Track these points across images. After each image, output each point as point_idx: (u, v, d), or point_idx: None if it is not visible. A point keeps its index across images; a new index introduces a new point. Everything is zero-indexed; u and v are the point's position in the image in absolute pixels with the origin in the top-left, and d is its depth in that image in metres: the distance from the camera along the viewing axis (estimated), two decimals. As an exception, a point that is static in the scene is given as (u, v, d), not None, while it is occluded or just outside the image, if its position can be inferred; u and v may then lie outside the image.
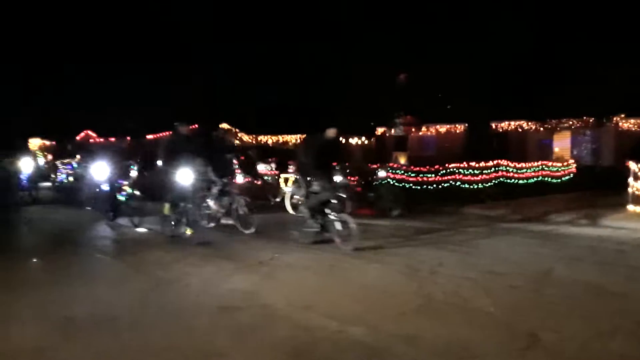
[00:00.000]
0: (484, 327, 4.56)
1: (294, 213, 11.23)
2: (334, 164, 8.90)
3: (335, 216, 8.13)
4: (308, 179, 9.82)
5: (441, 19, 23.40)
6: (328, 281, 6.30)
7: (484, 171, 14.96)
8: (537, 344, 4.15)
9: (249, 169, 11.64)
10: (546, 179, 17.05)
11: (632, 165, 11.75)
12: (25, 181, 16.67)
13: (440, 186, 14.54)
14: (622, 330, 4.46)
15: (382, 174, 13.46)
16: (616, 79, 19.35)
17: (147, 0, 28.81)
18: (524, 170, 16.35)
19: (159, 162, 10.18)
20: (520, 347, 4.11)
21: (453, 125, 25.01)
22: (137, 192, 10.77)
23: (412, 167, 15.03)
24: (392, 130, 24.03)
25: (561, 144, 23.32)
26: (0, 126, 28.18)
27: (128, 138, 22.93)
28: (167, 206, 9.17)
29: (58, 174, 20.89)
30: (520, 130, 23.58)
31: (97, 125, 28.54)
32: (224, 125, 26.99)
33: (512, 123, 23.52)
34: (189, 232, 8.99)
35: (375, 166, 14.44)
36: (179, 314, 5.05)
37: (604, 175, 17.50)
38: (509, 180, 15.66)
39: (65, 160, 21.15)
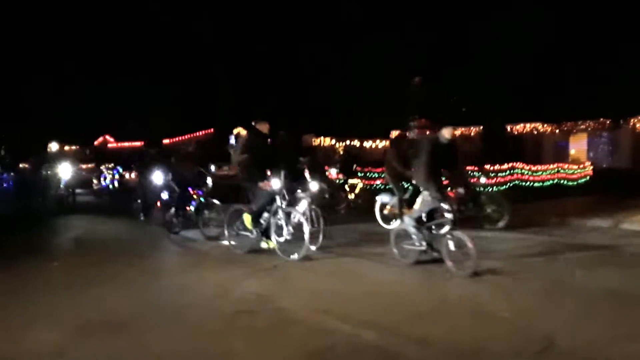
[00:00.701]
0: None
1: (385, 225, 9.94)
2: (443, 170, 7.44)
3: (448, 233, 6.57)
4: (405, 185, 9.60)
5: (456, 22, 23.37)
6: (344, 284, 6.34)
7: (498, 174, 14.90)
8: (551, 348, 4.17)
9: (318, 174, 10.33)
10: (562, 181, 16.91)
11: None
12: (63, 187, 15.79)
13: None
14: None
15: (483, 180, 11.52)
16: (633, 80, 19.18)
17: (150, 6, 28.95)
18: (540, 172, 16.26)
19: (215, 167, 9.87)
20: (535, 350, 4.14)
21: (468, 128, 24.94)
22: (215, 201, 9.81)
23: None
24: (407, 133, 24.04)
25: (578, 146, 23.18)
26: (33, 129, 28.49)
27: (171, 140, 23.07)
28: (248, 218, 7.99)
29: (102, 179, 19.89)
30: (535, 132, 23.46)
31: (115, 129, 28.87)
32: (240, 129, 27.24)
33: (528, 125, 23.41)
34: (271, 245, 7.90)
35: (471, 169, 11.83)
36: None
37: (621, 178, 17.34)
38: (524, 183, 15.58)
39: (110, 165, 20.29)
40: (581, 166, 18.48)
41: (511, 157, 16.35)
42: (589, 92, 20.23)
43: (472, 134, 24.76)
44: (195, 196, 10.02)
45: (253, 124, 8.36)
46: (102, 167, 20.60)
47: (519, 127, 23.46)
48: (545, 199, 13.60)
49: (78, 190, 17.55)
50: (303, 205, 8.29)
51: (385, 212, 10.21)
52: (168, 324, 4.95)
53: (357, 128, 25.95)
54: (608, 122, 21.55)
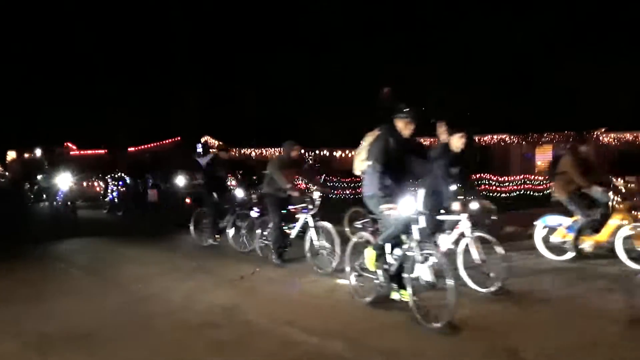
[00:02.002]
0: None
1: (554, 257, 7.63)
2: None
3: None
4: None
5: (422, 32, 23.67)
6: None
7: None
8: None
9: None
10: (529, 192, 17.17)
11: (613, 179, 11.87)
12: (60, 200, 13.58)
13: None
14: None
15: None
16: (596, 94, 19.67)
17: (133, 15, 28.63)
18: (507, 183, 16.48)
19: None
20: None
21: (435, 139, 25.11)
22: (326, 224, 7.44)
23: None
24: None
25: (543, 157, 23.54)
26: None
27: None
28: (372, 254, 5.57)
29: (108, 192, 17.51)
30: (502, 144, 23.78)
31: (76, 136, 28.20)
32: (208, 138, 26.98)
33: (495, 136, 23.72)
34: (405, 297, 5.23)
35: None
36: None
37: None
38: (491, 194, 15.75)
39: (117, 175, 17.65)
40: (547, 177, 18.78)
41: (479, 169, 16.51)
42: (555, 105, 20.64)
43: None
44: (298, 216, 7.91)
45: (395, 116, 5.63)
46: (108, 178, 18.09)
47: (487, 138, 23.76)
48: (513, 210, 13.73)
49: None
50: (452, 237, 6.14)
51: (556, 239, 7.75)
52: (131, 336, 4.81)
53: (326, 138, 25.92)
54: (572, 134, 21.97)
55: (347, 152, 25.99)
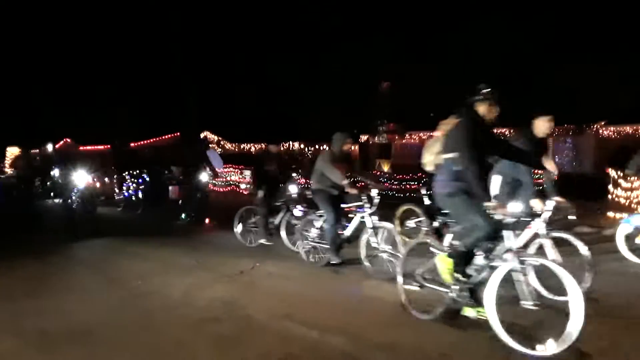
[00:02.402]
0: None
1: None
2: None
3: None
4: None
5: (423, 29, 23.64)
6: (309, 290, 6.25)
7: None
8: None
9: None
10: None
11: (612, 172, 11.85)
12: (76, 199, 12.06)
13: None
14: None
15: None
16: (596, 87, 19.63)
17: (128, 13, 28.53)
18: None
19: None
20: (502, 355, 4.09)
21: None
22: (386, 224, 6.90)
23: (395, 175, 15.06)
24: (376, 138, 24.14)
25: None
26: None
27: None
28: (447, 262, 4.76)
29: (123, 188, 16.72)
30: (502, 137, 23.71)
31: (75, 133, 28.12)
32: (207, 133, 26.97)
33: (495, 130, 23.64)
34: (484, 314, 4.34)
35: None
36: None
37: (584, 182, 17.63)
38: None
39: (135, 172, 16.70)
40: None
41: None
42: (553, 98, 20.59)
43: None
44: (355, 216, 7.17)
45: (474, 99, 4.81)
46: (125, 174, 17.02)
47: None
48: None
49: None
50: (523, 238, 5.17)
51: None
52: (131, 332, 4.81)
53: (325, 133, 25.89)
54: (572, 127, 21.95)
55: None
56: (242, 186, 19.29)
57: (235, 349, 4.39)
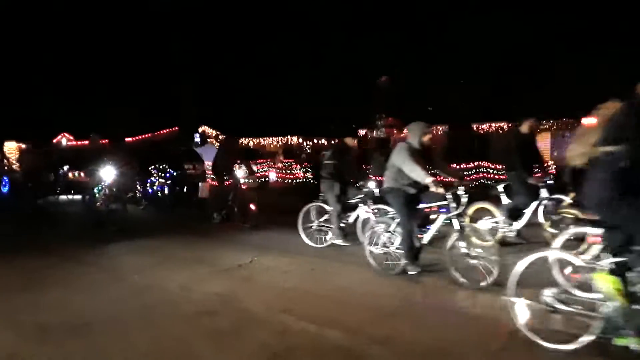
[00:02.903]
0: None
1: None
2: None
3: None
4: None
5: (424, 24, 23.60)
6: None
7: (464, 172, 15.02)
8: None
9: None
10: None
11: None
12: (101, 197, 11.01)
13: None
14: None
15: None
16: (595, 80, 19.58)
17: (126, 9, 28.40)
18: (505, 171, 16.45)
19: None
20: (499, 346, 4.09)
21: (435, 127, 25.14)
22: (478, 226, 6.55)
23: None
24: (374, 132, 24.16)
25: (542, 145, 23.49)
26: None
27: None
28: (614, 281, 3.70)
29: (148, 183, 14.91)
30: (501, 131, 23.74)
31: (72, 127, 28.02)
32: (205, 128, 26.93)
33: (493, 124, 23.68)
34: None
35: None
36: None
37: (582, 176, 17.63)
38: (489, 182, 15.74)
39: (163, 166, 14.95)
40: (544, 165, 18.73)
41: (477, 156, 16.50)
42: (553, 92, 20.60)
43: (439, 132, 24.94)
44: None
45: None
46: (152, 168, 15.16)
47: (485, 126, 23.71)
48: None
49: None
50: None
51: None
52: (128, 326, 4.80)
53: (325, 126, 25.89)
54: (571, 121, 21.96)
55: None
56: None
57: (232, 342, 4.38)
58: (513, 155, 7.68)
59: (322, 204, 8.58)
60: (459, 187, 6.19)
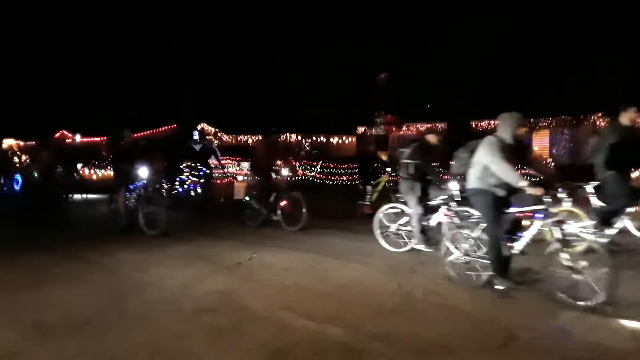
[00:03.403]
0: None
1: None
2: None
3: None
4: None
5: (422, 21, 23.58)
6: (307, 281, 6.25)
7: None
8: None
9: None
10: (525, 177, 17.15)
11: None
12: (135, 196, 10.24)
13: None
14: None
15: None
16: (594, 78, 19.62)
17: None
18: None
19: None
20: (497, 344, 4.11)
21: (434, 124, 25.13)
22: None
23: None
24: (373, 130, 24.13)
25: (540, 143, 23.53)
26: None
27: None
28: None
29: (177, 182, 13.67)
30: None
31: (71, 124, 27.97)
32: (204, 125, 26.90)
33: (492, 122, 23.64)
34: None
35: None
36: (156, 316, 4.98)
37: (581, 173, 17.65)
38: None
39: (195, 164, 13.53)
40: (543, 163, 18.78)
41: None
42: (551, 90, 20.60)
43: (438, 130, 24.90)
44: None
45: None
46: (183, 166, 13.76)
47: (484, 124, 23.69)
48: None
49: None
50: None
51: None
52: (129, 324, 4.81)
53: (323, 124, 25.88)
54: (569, 119, 21.97)
55: (343, 138, 26.03)
56: (240, 178, 19.05)
57: (232, 340, 4.39)
58: (612, 152, 6.82)
59: (401, 206, 7.94)
60: (558, 189, 5.41)
